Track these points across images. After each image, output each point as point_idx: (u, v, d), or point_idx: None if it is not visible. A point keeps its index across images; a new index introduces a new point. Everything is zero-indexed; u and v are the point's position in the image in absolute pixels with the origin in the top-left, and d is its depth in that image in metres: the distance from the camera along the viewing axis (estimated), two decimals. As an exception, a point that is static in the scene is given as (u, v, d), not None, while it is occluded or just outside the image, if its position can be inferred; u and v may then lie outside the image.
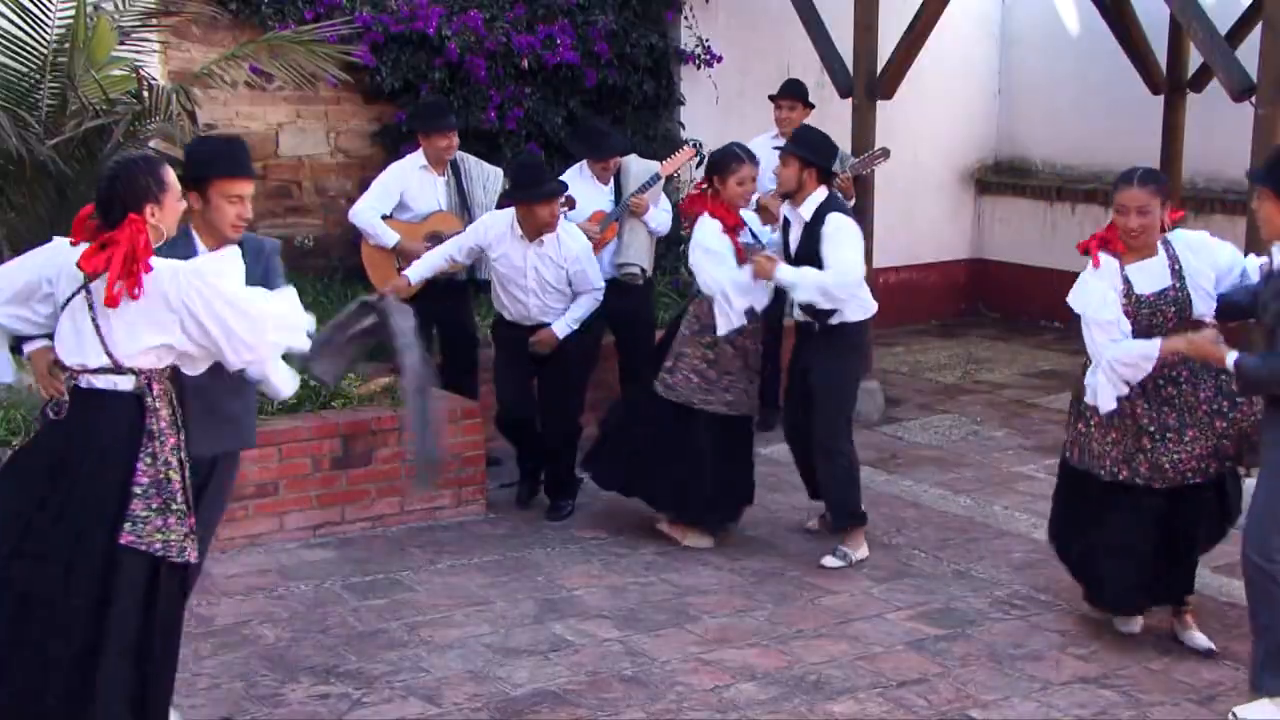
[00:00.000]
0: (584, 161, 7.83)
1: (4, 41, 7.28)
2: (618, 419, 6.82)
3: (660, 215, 7.73)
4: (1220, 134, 9.67)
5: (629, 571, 6.24)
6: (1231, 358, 4.74)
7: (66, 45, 7.10)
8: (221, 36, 8.60)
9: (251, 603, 5.80)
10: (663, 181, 7.76)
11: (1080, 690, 5.10)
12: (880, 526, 6.83)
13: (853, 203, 8.37)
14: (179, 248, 4.42)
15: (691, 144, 9.08)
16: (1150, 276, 5.18)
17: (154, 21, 7.89)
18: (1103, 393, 5.15)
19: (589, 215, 7.74)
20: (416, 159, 7.60)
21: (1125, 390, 5.13)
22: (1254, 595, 4.86)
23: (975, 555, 6.49)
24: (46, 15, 7.27)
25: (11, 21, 7.27)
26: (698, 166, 9.08)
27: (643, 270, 7.67)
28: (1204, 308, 5.18)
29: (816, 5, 8.92)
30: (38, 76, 7.26)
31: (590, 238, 7.36)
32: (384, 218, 7.53)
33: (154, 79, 7.44)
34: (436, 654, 5.33)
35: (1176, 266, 5.21)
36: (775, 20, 10.08)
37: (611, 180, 7.78)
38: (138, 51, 7.67)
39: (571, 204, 7.52)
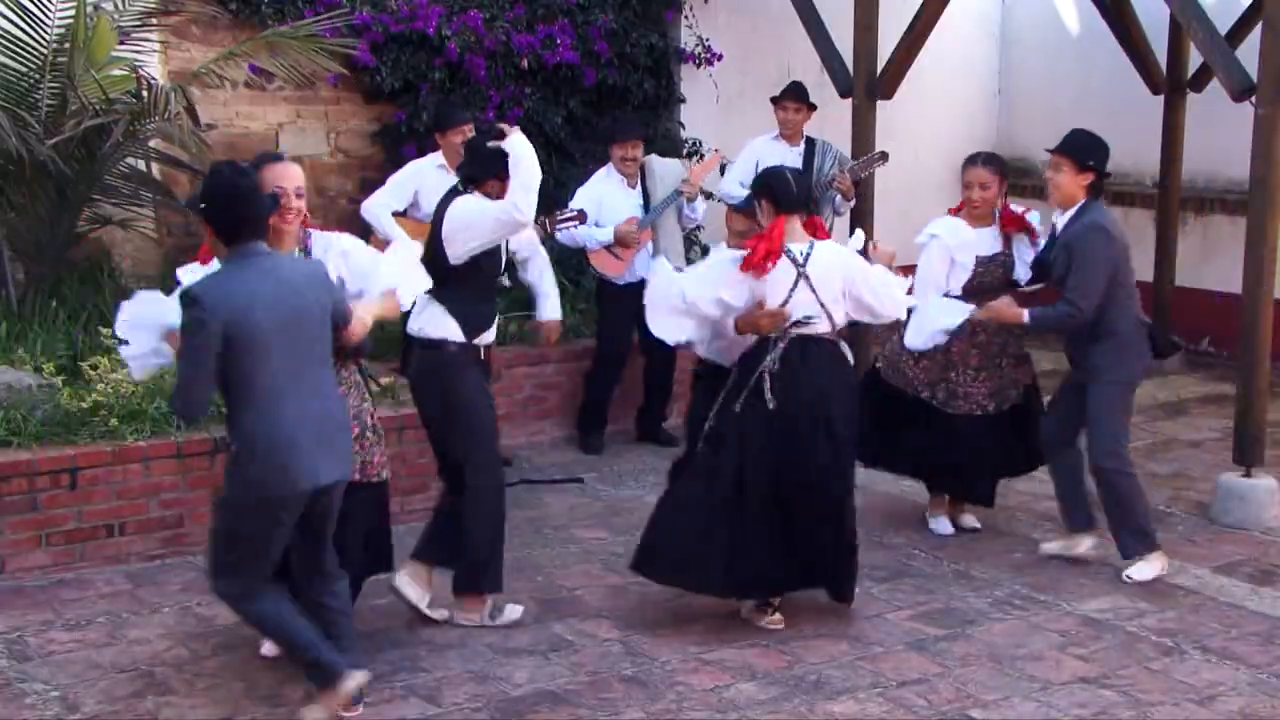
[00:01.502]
0: (610, 165, 7.94)
1: (4, 41, 7.29)
2: None
3: (700, 205, 8.11)
4: (1220, 134, 9.66)
5: (629, 572, 6.21)
6: (1025, 315, 6.13)
7: (66, 45, 7.11)
8: (221, 36, 8.59)
9: (251, 603, 5.79)
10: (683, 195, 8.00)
11: (1080, 690, 5.09)
12: (880, 526, 6.83)
13: (852, 204, 8.40)
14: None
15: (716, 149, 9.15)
16: (987, 243, 6.48)
17: (154, 21, 7.90)
18: (924, 336, 6.41)
19: (624, 220, 7.83)
20: (435, 158, 7.63)
21: (944, 339, 6.42)
22: (1109, 495, 6.13)
23: (975, 555, 6.49)
24: (46, 15, 7.28)
25: (11, 21, 7.27)
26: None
27: (679, 270, 7.79)
28: (1023, 272, 6.54)
29: (816, 5, 8.91)
30: (38, 76, 7.27)
31: (628, 243, 7.82)
32: (398, 215, 7.54)
33: (154, 79, 7.45)
34: (436, 654, 5.33)
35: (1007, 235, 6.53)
36: (775, 20, 10.07)
37: (639, 184, 7.92)
38: (137, 51, 7.68)
39: (582, 218, 7.66)
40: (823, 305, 5.47)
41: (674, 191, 7.87)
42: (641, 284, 7.45)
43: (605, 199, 7.92)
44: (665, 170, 8.05)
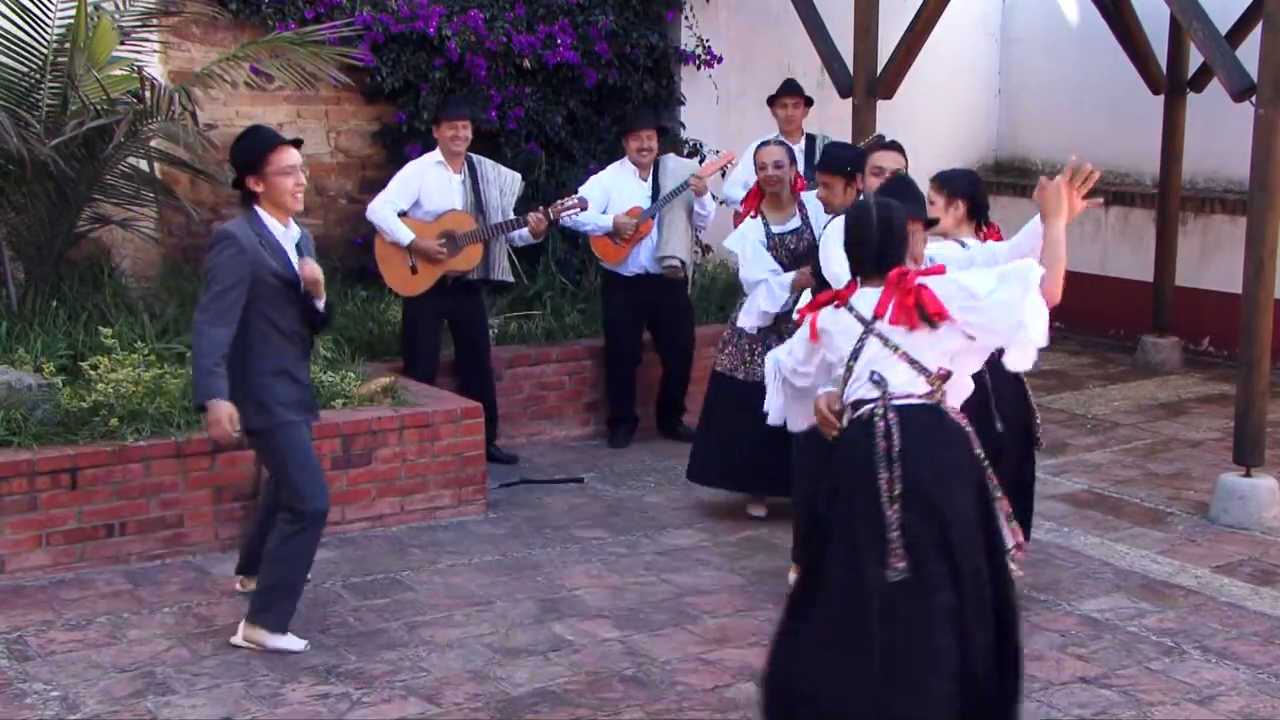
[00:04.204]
0: (625, 157, 8.09)
1: (4, 41, 7.28)
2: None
3: (709, 203, 8.12)
4: (1220, 134, 9.67)
5: (629, 571, 6.24)
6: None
7: (67, 45, 7.10)
8: (221, 36, 8.60)
9: (252, 603, 5.81)
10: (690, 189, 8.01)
11: (1080, 690, 5.09)
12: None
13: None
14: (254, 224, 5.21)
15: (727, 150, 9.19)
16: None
17: (154, 21, 7.89)
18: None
19: (626, 210, 7.91)
20: (433, 155, 7.67)
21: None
22: None
23: (975, 555, 6.48)
24: (46, 15, 7.27)
25: (11, 21, 7.27)
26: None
27: (682, 263, 7.96)
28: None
29: (816, 5, 8.92)
30: (38, 76, 7.26)
31: (624, 233, 7.87)
32: (400, 215, 7.57)
33: (155, 79, 7.45)
34: (436, 654, 5.33)
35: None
36: (775, 20, 10.07)
37: (650, 177, 8.04)
38: (138, 51, 7.67)
39: (584, 205, 7.79)
40: None
41: (682, 184, 7.91)
42: (646, 275, 7.87)
43: (615, 188, 8.04)
44: (679, 167, 8.15)
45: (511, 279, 8.00)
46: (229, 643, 5.36)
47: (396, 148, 8.99)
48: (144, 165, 7.82)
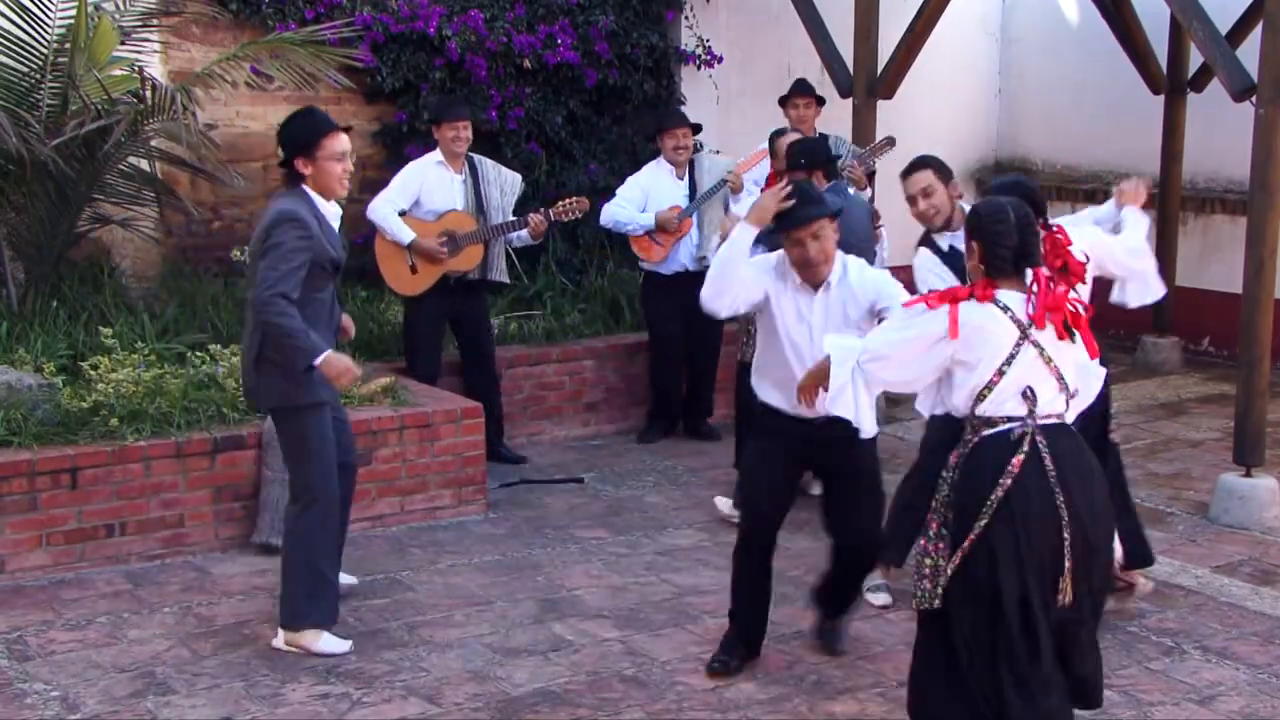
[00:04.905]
0: (660, 157, 8.13)
1: (4, 41, 7.29)
2: None
3: (744, 199, 8.04)
4: (1220, 134, 9.67)
5: (629, 571, 6.24)
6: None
7: (67, 45, 7.11)
8: (222, 36, 8.60)
9: (252, 603, 5.80)
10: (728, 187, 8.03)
11: (1080, 690, 5.09)
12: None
13: (868, 193, 8.40)
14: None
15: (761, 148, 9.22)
16: None
17: (154, 21, 7.90)
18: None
19: (668, 207, 7.94)
20: (434, 155, 7.68)
21: None
22: None
23: (975, 555, 6.47)
24: (46, 15, 7.28)
25: (12, 21, 7.28)
26: None
27: None
28: None
29: (816, 5, 8.92)
30: (38, 76, 7.27)
31: (668, 228, 7.94)
32: (400, 214, 7.57)
33: (155, 79, 7.45)
34: (436, 654, 5.34)
35: None
36: (775, 20, 10.07)
37: (687, 176, 8.10)
38: (138, 51, 7.68)
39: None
40: None
41: (719, 181, 7.96)
42: (685, 274, 7.90)
43: (653, 188, 8.10)
44: (714, 165, 8.20)
45: (508, 280, 8.01)
46: (270, 645, 5.35)
47: (396, 148, 8.99)
48: (144, 165, 7.83)
